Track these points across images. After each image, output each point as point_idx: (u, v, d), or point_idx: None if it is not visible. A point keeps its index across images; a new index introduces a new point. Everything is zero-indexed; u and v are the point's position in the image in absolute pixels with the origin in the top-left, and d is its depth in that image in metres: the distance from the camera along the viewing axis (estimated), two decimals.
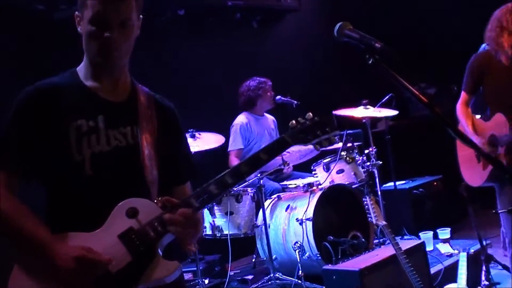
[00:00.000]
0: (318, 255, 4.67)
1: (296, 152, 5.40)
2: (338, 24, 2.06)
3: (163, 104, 2.28)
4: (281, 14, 7.68)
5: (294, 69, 7.41)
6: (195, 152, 4.93)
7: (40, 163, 2.00)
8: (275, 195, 5.38)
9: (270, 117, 6.20)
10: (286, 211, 5.11)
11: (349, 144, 5.48)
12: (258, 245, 5.24)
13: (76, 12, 2.06)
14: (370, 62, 1.93)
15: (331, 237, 4.59)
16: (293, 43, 7.73)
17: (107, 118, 2.07)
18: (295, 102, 5.89)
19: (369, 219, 3.96)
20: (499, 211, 3.91)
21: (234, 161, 5.72)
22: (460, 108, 4.19)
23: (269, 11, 7.46)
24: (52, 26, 5.25)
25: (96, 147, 2.02)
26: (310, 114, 2.18)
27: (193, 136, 5.17)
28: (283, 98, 5.93)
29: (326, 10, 8.19)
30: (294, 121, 2.17)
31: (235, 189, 5.03)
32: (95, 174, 2.01)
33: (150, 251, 2.00)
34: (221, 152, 5.74)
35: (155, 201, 2.04)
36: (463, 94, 4.22)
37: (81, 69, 2.14)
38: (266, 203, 5.21)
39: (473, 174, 4.12)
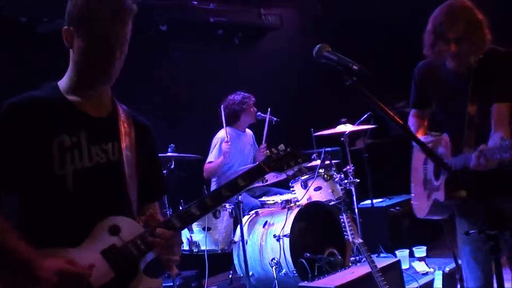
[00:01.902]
0: (294, 272, 4.69)
1: None
2: (317, 46, 2.12)
3: (140, 122, 2.31)
4: (263, 32, 7.76)
5: (275, 86, 7.46)
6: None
7: (22, 179, 1.98)
8: (253, 211, 5.40)
9: (249, 132, 6.23)
10: (263, 227, 5.12)
11: (327, 162, 5.53)
12: (235, 261, 5.24)
13: (66, 27, 2.05)
14: (347, 83, 1.98)
15: (308, 254, 4.63)
16: (274, 60, 7.80)
17: (89, 133, 2.07)
18: (275, 119, 5.97)
19: (346, 236, 3.99)
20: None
21: (207, 168, 5.76)
22: (410, 120, 3.60)
23: (250, 28, 7.54)
24: (35, 39, 5.26)
25: (78, 163, 2.02)
26: (282, 145, 2.40)
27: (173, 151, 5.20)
28: (262, 114, 5.98)
29: (307, 28, 8.29)
30: (268, 151, 2.37)
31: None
32: (77, 190, 2.01)
33: (133, 268, 2.02)
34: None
35: (137, 219, 2.09)
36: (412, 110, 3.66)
37: (63, 83, 2.12)
38: (244, 219, 5.23)
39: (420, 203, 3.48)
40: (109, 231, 2.01)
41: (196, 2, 6.67)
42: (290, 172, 2.47)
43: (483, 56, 3.03)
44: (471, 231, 2.30)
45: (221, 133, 5.89)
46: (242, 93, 6.03)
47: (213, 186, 5.87)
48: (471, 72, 3.09)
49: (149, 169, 2.28)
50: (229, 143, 5.64)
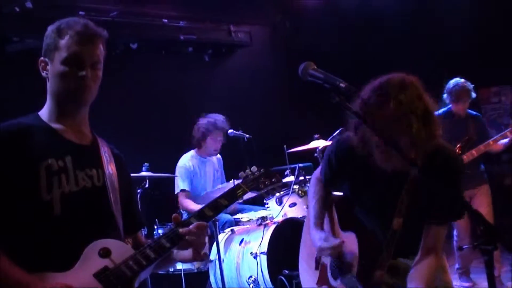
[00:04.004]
0: None
1: None
2: (303, 64, 2.13)
3: (117, 154, 2.37)
4: (233, 49, 7.80)
5: (246, 103, 7.48)
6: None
7: (8, 204, 1.98)
8: (228, 229, 5.37)
9: (215, 158, 6.07)
10: (240, 245, 5.10)
11: (301, 178, 5.54)
12: (212, 280, 5.19)
13: (42, 58, 2.13)
14: (334, 101, 1.99)
15: (286, 271, 4.61)
16: (245, 77, 7.83)
17: (74, 159, 2.11)
18: (247, 136, 5.94)
19: None
20: None
21: (184, 202, 5.67)
22: (312, 183, 3.00)
23: (220, 45, 7.58)
24: (4, 58, 5.19)
25: (65, 187, 2.04)
26: (255, 167, 2.52)
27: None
28: (235, 132, 5.95)
29: (277, 45, 8.36)
30: (242, 172, 2.50)
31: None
32: (64, 214, 2.02)
33: None
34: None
35: (126, 241, 2.12)
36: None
37: (45, 113, 2.18)
38: (220, 237, 5.19)
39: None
40: (100, 254, 2.01)
41: (166, 20, 6.67)
42: (266, 191, 2.54)
43: (425, 158, 2.33)
44: (464, 246, 2.29)
45: (183, 160, 5.80)
46: (210, 118, 5.82)
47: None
48: (405, 177, 2.43)
49: (128, 200, 2.32)
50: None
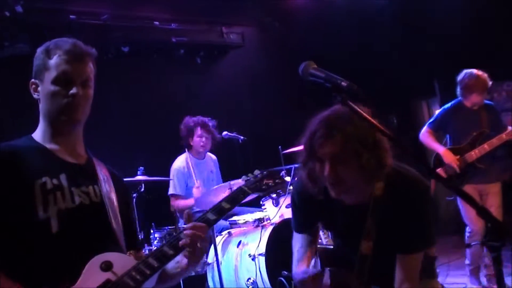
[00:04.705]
0: None
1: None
2: (303, 64, 2.10)
3: (115, 174, 2.36)
4: (225, 50, 7.79)
5: (240, 104, 7.47)
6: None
7: (4, 225, 1.96)
8: (225, 231, 5.34)
9: (211, 157, 6.07)
10: (237, 247, 5.06)
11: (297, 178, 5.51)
12: (210, 283, 5.16)
13: (32, 80, 2.14)
14: (337, 100, 1.97)
15: (285, 272, 4.58)
16: (238, 78, 7.81)
17: (69, 176, 2.10)
18: (241, 137, 5.92)
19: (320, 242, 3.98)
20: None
21: (175, 203, 5.66)
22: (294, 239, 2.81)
23: (212, 47, 7.56)
24: None
25: (62, 204, 2.03)
26: (257, 170, 2.54)
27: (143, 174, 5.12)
28: (229, 133, 5.93)
29: (270, 46, 8.34)
30: (245, 176, 2.53)
31: (184, 226, 4.96)
32: (62, 231, 2.00)
33: None
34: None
35: (128, 253, 2.11)
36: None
37: (38, 134, 2.18)
38: (217, 240, 5.16)
39: None
40: (101, 268, 1.98)
41: (157, 23, 6.64)
42: (271, 191, 2.60)
43: (385, 187, 2.32)
44: (472, 243, 2.27)
45: (177, 163, 5.79)
46: (190, 118, 5.79)
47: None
48: (366, 206, 2.36)
49: (128, 221, 2.31)
50: (200, 188, 5.53)
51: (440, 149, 5.20)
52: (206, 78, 7.55)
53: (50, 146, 2.14)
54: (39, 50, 2.15)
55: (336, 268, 2.52)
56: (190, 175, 5.76)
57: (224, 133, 5.94)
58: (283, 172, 5.75)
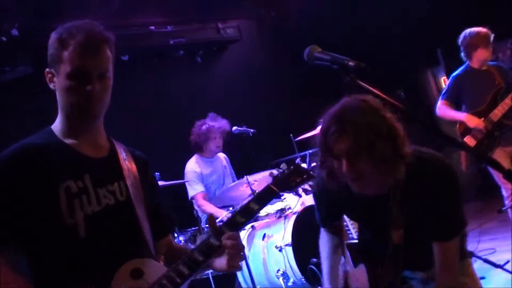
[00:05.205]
0: (303, 280, 4.62)
1: (263, 181, 5.36)
2: (307, 49, 2.07)
3: (138, 157, 2.25)
4: (224, 46, 7.76)
5: (245, 97, 7.44)
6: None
7: (28, 230, 1.89)
8: (248, 225, 5.32)
9: (221, 155, 6.06)
10: (263, 240, 5.05)
11: (314, 164, 5.48)
12: (240, 279, 5.15)
13: (47, 69, 2.01)
14: (346, 81, 1.94)
15: (314, 259, 4.56)
16: (239, 72, 7.78)
17: (92, 176, 2.00)
18: (251, 130, 5.88)
19: (350, 234, 3.95)
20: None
21: (203, 204, 5.63)
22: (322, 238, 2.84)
23: (211, 44, 7.53)
24: None
25: (88, 208, 1.95)
26: (285, 164, 2.40)
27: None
28: (239, 128, 5.89)
29: (268, 36, 8.30)
30: (274, 171, 2.39)
31: (207, 225, 4.96)
32: (89, 237, 1.93)
33: None
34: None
35: (158, 259, 2.04)
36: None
37: (57, 126, 2.07)
38: (242, 234, 5.15)
39: None
40: (132, 275, 1.93)
41: (153, 27, 6.62)
42: (299, 189, 2.49)
43: (407, 175, 2.27)
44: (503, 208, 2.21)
45: (189, 166, 5.78)
46: (208, 121, 5.79)
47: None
48: (390, 191, 2.32)
49: (155, 204, 2.23)
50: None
51: (462, 115, 5.03)
52: (209, 76, 7.53)
53: (70, 141, 2.03)
54: (53, 36, 2.00)
55: (370, 262, 2.50)
56: (203, 174, 5.76)
57: (234, 128, 5.90)
58: (298, 159, 5.73)
